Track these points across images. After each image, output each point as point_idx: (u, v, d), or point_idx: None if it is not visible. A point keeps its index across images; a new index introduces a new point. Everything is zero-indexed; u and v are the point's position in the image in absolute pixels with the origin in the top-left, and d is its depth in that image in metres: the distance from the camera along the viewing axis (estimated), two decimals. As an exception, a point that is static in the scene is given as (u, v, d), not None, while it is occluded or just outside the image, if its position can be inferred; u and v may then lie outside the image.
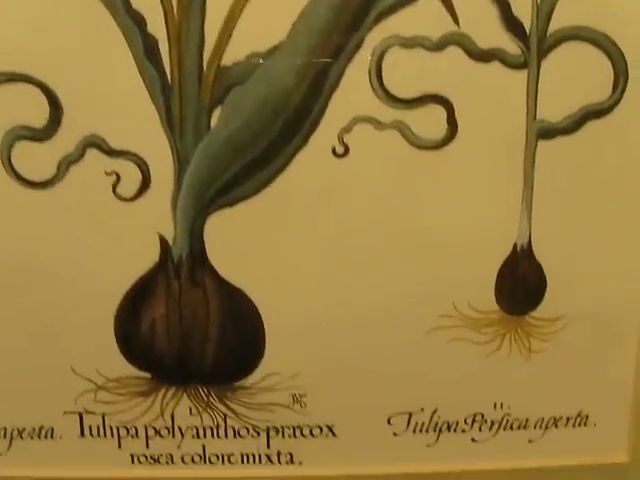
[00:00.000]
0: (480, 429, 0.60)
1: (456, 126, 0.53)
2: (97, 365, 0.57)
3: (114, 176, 0.53)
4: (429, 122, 0.53)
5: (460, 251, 0.56)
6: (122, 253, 0.54)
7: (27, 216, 0.54)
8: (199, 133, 0.53)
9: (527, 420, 0.60)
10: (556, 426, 0.60)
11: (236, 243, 0.55)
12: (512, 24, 0.51)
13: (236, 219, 0.54)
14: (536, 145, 0.54)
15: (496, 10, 0.51)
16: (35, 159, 0.52)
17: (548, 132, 0.54)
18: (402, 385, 0.58)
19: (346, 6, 0.51)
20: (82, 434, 0.59)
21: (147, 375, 0.58)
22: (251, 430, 0.59)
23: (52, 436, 0.59)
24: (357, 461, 0.60)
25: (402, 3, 0.50)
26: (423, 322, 0.57)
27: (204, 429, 0.59)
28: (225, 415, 0.59)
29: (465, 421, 0.60)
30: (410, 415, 0.60)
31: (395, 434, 0.60)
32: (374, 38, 0.51)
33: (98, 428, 0.59)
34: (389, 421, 0.60)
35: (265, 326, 0.56)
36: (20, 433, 0.59)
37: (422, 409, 0.59)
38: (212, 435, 0.59)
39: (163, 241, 0.54)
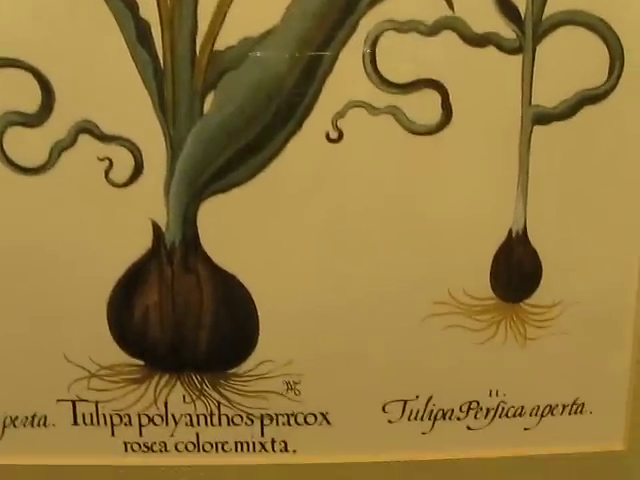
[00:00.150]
0: (475, 417, 0.60)
1: (451, 111, 0.53)
2: (90, 352, 0.57)
3: (106, 162, 0.53)
4: (423, 107, 0.52)
5: (455, 237, 0.55)
6: (114, 239, 0.54)
7: (18, 202, 0.53)
8: (192, 118, 0.52)
9: (523, 408, 0.60)
10: (552, 414, 0.60)
11: (229, 229, 0.54)
12: (507, 8, 0.51)
13: (229, 205, 0.54)
14: (531, 130, 0.53)
15: (491, -6, 0.51)
16: (27, 145, 0.52)
17: (543, 117, 0.53)
18: (397, 372, 0.58)
19: (340, -10, 0.50)
20: (75, 422, 0.59)
21: (140, 362, 0.57)
22: (245, 418, 0.59)
23: (45, 424, 0.59)
24: (352, 449, 0.60)
25: (396, -13, 0.50)
26: (418, 309, 0.57)
27: (198, 417, 0.59)
28: (219, 403, 0.58)
29: (460, 409, 0.60)
30: (405, 403, 0.59)
31: (390, 422, 0.60)
32: (368, 22, 0.51)
33: (91, 416, 0.58)
34: (384, 409, 0.59)
35: (259, 313, 0.56)
36: (13, 421, 0.59)
37: (417, 397, 0.59)
38: (206, 423, 0.59)
39: (156, 227, 0.54)
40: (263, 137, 0.53)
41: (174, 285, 0.56)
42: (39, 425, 0.59)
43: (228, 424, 0.59)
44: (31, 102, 0.51)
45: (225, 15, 0.50)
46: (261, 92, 0.52)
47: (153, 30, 0.50)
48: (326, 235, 0.55)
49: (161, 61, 0.51)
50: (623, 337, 0.58)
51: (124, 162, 0.53)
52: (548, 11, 0.51)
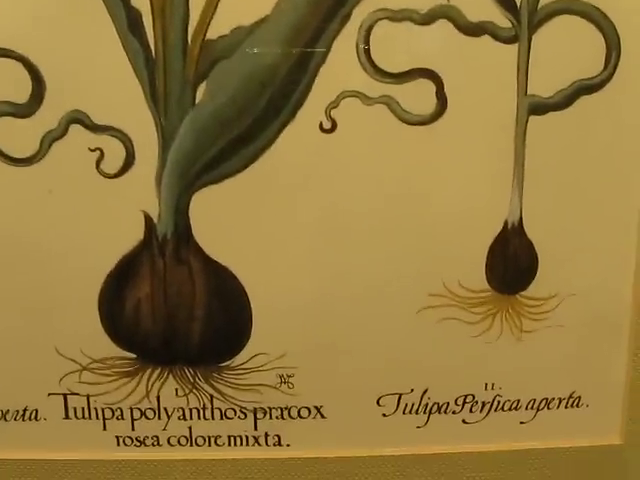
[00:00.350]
0: (471, 410, 0.60)
1: (445, 101, 0.52)
2: (81, 345, 0.56)
3: (98, 152, 0.52)
4: (418, 97, 0.52)
5: (450, 228, 0.55)
6: (106, 231, 0.54)
7: (8, 193, 0.53)
8: (184, 108, 0.52)
9: (518, 401, 0.60)
10: (548, 407, 0.60)
11: (222, 220, 0.54)
12: (502, -3, 0.51)
13: (222, 196, 0.53)
14: (527, 121, 0.53)
15: (486, -18, 0.50)
16: (18, 135, 0.52)
17: (539, 107, 0.53)
18: (391, 365, 0.58)
19: (333, -22, 0.50)
20: (67, 416, 0.58)
21: (132, 355, 0.57)
22: (238, 411, 0.59)
23: (36, 418, 0.58)
24: (346, 443, 0.59)
25: (390, -25, 0.50)
26: (413, 301, 0.56)
27: (190, 410, 0.58)
28: (211, 396, 0.58)
29: (456, 402, 0.59)
30: (400, 396, 0.59)
31: (385, 415, 0.59)
32: (362, 11, 0.51)
33: (83, 410, 0.58)
34: (378, 402, 0.59)
35: (252, 305, 0.56)
36: (4, 415, 0.58)
37: (412, 390, 0.59)
38: (198, 417, 0.59)
39: (148, 219, 0.54)
40: (256, 127, 0.52)
41: (166, 277, 0.55)
42: (30, 419, 0.58)
43: (221, 418, 0.59)
44: (21, 92, 0.51)
45: (217, 4, 0.50)
46: (254, 82, 0.52)
47: (144, 19, 0.50)
48: (320, 226, 0.54)
49: (152, 50, 0.51)
50: (619, 329, 0.58)
51: (115, 153, 0.52)
52: (544, 0, 0.51)
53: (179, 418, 0.59)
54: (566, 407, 0.60)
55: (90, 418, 0.58)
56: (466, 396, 0.59)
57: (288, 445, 0.60)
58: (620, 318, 0.58)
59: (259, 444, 0.60)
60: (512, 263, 0.56)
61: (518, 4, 0.51)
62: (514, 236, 0.55)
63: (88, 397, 0.58)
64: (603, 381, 0.59)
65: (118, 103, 0.51)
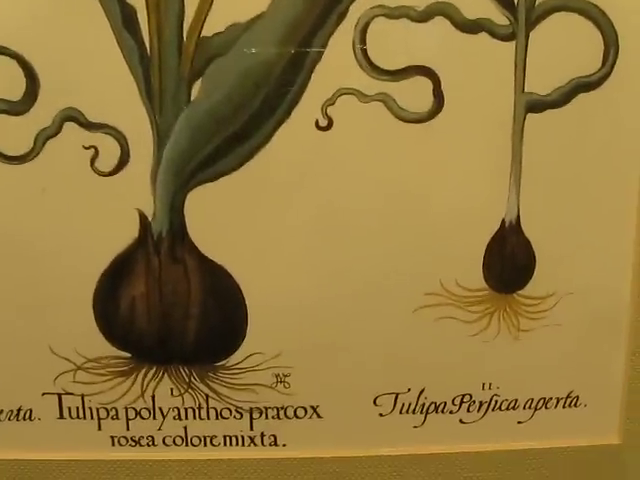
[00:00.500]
0: (468, 410, 0.59)
1: (442, 99, 0.52)
2: (76, 345, 0.56)
3: (92, 150, 0.52)
4: (415, 94, 0.52)
5: (446, 227, 0.55)
6: (100, 229, 0.53)
7: (3, 191, 0.53)
8: (179, 106, 0.52)
9: (516, 401, 0.59)
10: (546, 407, 0.60)
11: (217, 219, 0.54)
12: (500, -6, 0.51)
13: (217, 194, 0.53)
14: (524, 118, 0.53)
15: (483, -21, 0.50)
16: (11, 133, 0.51)
17: (537, 105, 0.53)
18: (388, 365, 0.58)
19: (329, -25, 0.50)
20: (61, 416, 0.58)
21: (127, 355, 0.57)
22: (234, 411, 0.58)
23: (30, 418, 0.58)
24: (342, 443, 0.59)
25: (386, -28, 0.50)
26: (409, 300, 0.56)
27: (186, 410, 0.58)
28: (207, 396, 0.58)
29: (453, 402, 0.59)
30: (396, 396, 0.59)
31: (381, 415, 0.59)
32: (358, 8, 0.50)
33: (77, 410, 0.58)
34: (375, 402, 0.59)
35: (247, 303, 0.55)
36: (-2, 415, 0.58)
37: (409, 389, 0.59)
38: (194, 416, 0.58)
39: (142, 217, 0.53)
40: (251, 125, 0.52)
41: (161, 275, 0.55)
42: (24, 419, 0.58)
43: (217, 418, 0.58)
44: (15, 89, 0.51)
45: (212, 0, 0.49)
46: (249, 79, 0.51)
47: (139, 15, 0.50)
48: (316, 224, 0.54)
49: (147, 47, 0.50)
50: (618, 328, 0.58)
51: (110, 150, 0.52)
52: (541, -3, 0.51)
53: (174, 418, 0.58)
54: (564, 407, 0.60)
55: (85, 418, 0.58)
56: (463, 396, 0.59)
57: (284, 445, 0.59)
58: (618, 317, 0.57)
59: (255, 444, 0.59)
60: (509, 262, 0.56)
61: (515, 1, 0.51)
62: (511, 234, 0.55)
63: (83, 397, 0.57)
64: (601, 380, 0.59)
65: (113, 100, 0.51)
